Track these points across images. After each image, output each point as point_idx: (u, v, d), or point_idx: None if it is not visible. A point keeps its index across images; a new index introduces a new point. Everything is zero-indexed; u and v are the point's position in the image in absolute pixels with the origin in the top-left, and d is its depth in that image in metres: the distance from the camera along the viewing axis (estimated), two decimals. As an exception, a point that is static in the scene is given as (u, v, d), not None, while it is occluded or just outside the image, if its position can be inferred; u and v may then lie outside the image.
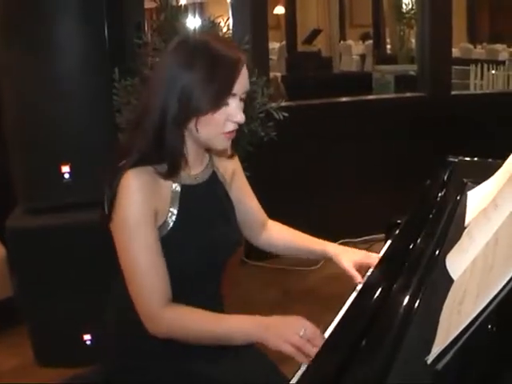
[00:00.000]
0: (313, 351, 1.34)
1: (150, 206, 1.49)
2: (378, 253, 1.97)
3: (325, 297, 3.66)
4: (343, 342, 1.18)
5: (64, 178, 2.80)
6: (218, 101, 1.47)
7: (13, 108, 2.85)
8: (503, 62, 7.05)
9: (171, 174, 1.53)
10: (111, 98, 2.98)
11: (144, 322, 1.53)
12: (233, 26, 3.68)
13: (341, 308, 1.64)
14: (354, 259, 1.73)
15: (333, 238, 4.44)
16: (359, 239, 4.43)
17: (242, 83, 1.50)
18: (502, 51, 11.22)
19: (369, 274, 1.52)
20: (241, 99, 1.53)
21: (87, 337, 2.94)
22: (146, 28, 3.78)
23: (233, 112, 1.50)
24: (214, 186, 1.69)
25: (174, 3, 3.26)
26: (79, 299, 2.86)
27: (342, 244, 4.47)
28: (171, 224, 1.55)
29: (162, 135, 1.49)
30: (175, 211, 1.55)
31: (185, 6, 3.68)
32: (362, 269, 1.71)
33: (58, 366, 2.94)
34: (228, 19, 3.34)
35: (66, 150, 2.82)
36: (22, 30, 2.70)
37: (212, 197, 1.68)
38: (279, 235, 1.91)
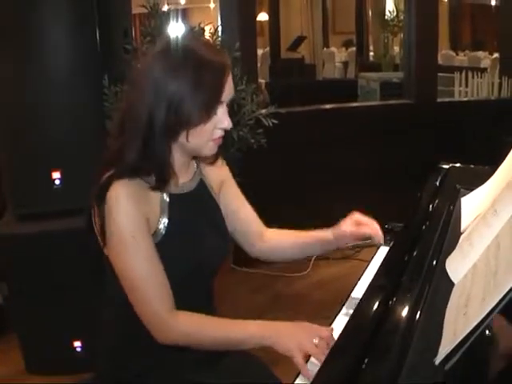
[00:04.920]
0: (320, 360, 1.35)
1: (141, 214, 1.48)
2: (368, 258, 1.99)
3: (313, 302, 3.68)
4: (351, 348, 1.19)
5: (55, 184, 2.79)
6: (209, 112, 1.48)
7: (3, 115, 2.84)
8: (485, 69, 7.12)
9: (160, 185, 1.53)
10: (101, 104, 2.99)
11: (153, 332, 1.52)
12: (221, 34, 3.70)
13: (337, 309, 1.67)
14: (352, 221, 1.76)
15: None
16: (347, 244, 4.44)
17: (228, 90, 1.51)
18: (484, 58, 11.34)
19: (370, 280, 1.53)
20: (226, 104, 1.54)
21: (77, 343, 2.94)
22: (134, 34, 3.78)
23: (221, 119, 1.51)
24: (202, 195, 1.69)
25: (165, 9, 3.26)
26: (69, 306, 2.86)
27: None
28: (163, 232, 1.55)
29: (149, 145, 1.48)
30: (166, 220, 1.55)
31: (171, 11, 3.69)
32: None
33: (48, 373, 2.94)
34: (218, 27, 3.35)
35: (57, 156, 2.82)
36: (13, 36, 2.70)
37: (201, 205, 1.68)
38: (281, 238, 1.86)
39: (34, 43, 2.69)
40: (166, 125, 1.47)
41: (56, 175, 2.79)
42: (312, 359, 1.40)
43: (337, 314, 1.65)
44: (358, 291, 1.71)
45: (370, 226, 1.74)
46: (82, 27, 2.79)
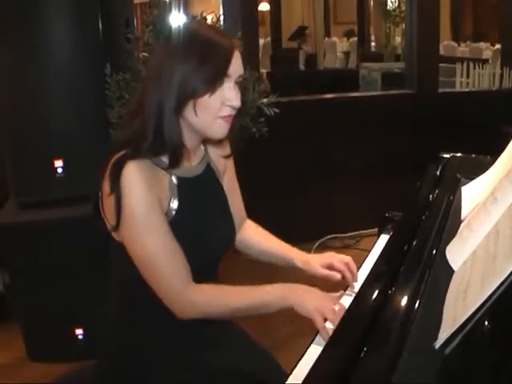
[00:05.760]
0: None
1: (153, 193, 1.49)
2: (369, 248, 2.01)
3: (315, 286, 3.68)
4: (351, 335, 1.21)
5: (57, 172, 2.80)
6: (214, 81, 1.48)
7: (5, 103, 2.84)
8: (487, 60, 7.11)
9: (173, 164, 1.53)
10: (103, 92, 2.99)
11: (173, 308, 1.54)
12: (223, 23, 3.70)
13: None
14: (322, 262, 1.75)
15: (321, 233, 4.50)
16: (348, 234, 4.48)
17: (236, 65, 1.51)
18: (485, 49, 11.32)
19: (369, 270, 1.55)
20: (236, 83, 1.54)
21: (79, 331, 2.95)
22: (136, 23, 3.79)
23: (228, 95, 1.51)
24: (209, 179, 1.70)
25: (166, -1, 3.25)
26: (71, 294, 2.86)
27: (331, 239, 4.52)
28: (173, 214, 1.55)
29: (160, 126, 1.49)
30: (176, 203, 1.56)
31: (173, 1, 3.69)
32: (333, 269, 1.74)
33: (50, 361, 2.95)
34: (219, 17, 3.35)
35: (59, 144, 2.82)
36: (15, 25, 2.70)
37: (208, 190, 1.69)
38: (256, 238, 1.87)
39: (37, 32, 2.69)
40: (175, 101, 1.48)
41: (58, 163, 2.80)
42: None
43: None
44: (359, 279, 1.73)
45: (345, 272, 1.73)
46: (85, 16, 2.79)
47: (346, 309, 1.45)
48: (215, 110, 1.51)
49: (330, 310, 1.46)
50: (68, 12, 2.73)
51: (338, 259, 1.75)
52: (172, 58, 1.49)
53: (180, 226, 1.55)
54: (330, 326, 1.44)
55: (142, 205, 1.47)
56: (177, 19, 3.35)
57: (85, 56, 2.82)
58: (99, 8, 2.86)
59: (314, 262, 1.75)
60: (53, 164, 2.80)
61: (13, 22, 2.71)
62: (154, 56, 1.59)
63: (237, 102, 1.53)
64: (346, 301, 1.53)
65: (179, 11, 3.46)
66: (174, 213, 1.56)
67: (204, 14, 3.17)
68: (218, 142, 1.70)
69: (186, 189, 1.59)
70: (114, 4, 3.16)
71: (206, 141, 1.68)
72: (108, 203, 1.50)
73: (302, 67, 10.95)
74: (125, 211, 1.47)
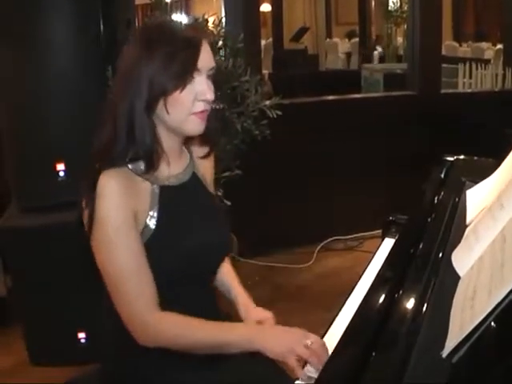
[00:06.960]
0: (316, 364, 1.35)
1: (128, 208, 1.45)
2: (372, 250, 2.00)
3: (316, 294, 3.68)
4: (357, 341, 1.20)
5: (59, 176, 2.79)
6: (183, 76, 1.44)
7: (6, 106, 2.84)
8: (489, 61, 7.10)
9: (149, 168, 1.49)
10: (105, 95, 2.98)
11: (133, 333, 1.48)
12: (225, 25, 3.69)
13: (340, 307, 1.67)
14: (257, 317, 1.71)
15: (324, 235, 4.49)
16: (350, 236, 4.46)
17: (205, 58, 1.47)
18: (487, 49, 11.30)
19: (376, 273, 1.54)
20: (208, 76, 1.50)
21: (82, 335, 2.94)
22: (137, 25, 3.78)
23: (200, 90, 1.47)
24: (195, 187, 1.66)
25: (168, 0, 3.25)
26: (73, 298, 2.85)
27: (333, 241, 4.51)
28: (153, 227, 1.51)
29: (132, 128, 1.46)
30: (155, 214, 1.51)
31: (175, 2, 3.68)
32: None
33: (52, 365, 2.93)
34: (221, 18, 3.34)
35: (61, 147, 2.80)
36: (16, 26, 2.69)
37: (194, 198, 1.64)
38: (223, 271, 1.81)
39: (38, 34, 2.68)
40: (145, 100, 1.45)
41: (60, 167, 2.78)
42: (308, 366, 1.39)
43: (341, 307, 1.66)
44: (364, 283, 1.72)
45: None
46: (86, 18, 2.78)
47: (323, 343, 1.40)
48: (187, 106, 1.47)
49: (301, 347, 1.38)
50: (69, 13, 2.72)
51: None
52: (139, 56, 1.44)
53: (162, 237, 1.52)
54: (311, 369, 1.37)
55: (112, 222, 1.44)
56: (180, 20, 3.34)
57: (86, 59, 2.80)
58: (100, 10, 2.85)
59: (253, 314, 1.72)
60: (55, 168, 2.78)
61: (13, 22, 2.70)
62: (123, 56, 1.51)
63: (210, 95, 1.49)
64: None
65: (181, 13, 3.46)
66: (154, 224, 1.51)
67: (206, 16, 3.17)
68: (199, 143, 1.66)
69: (169, 197, 1.55)
70: (116, 6, 3.14)
71: (187, 142, 1.64)
72: (85, 214, 1.49)
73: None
74: (96, 225, 1.45)
